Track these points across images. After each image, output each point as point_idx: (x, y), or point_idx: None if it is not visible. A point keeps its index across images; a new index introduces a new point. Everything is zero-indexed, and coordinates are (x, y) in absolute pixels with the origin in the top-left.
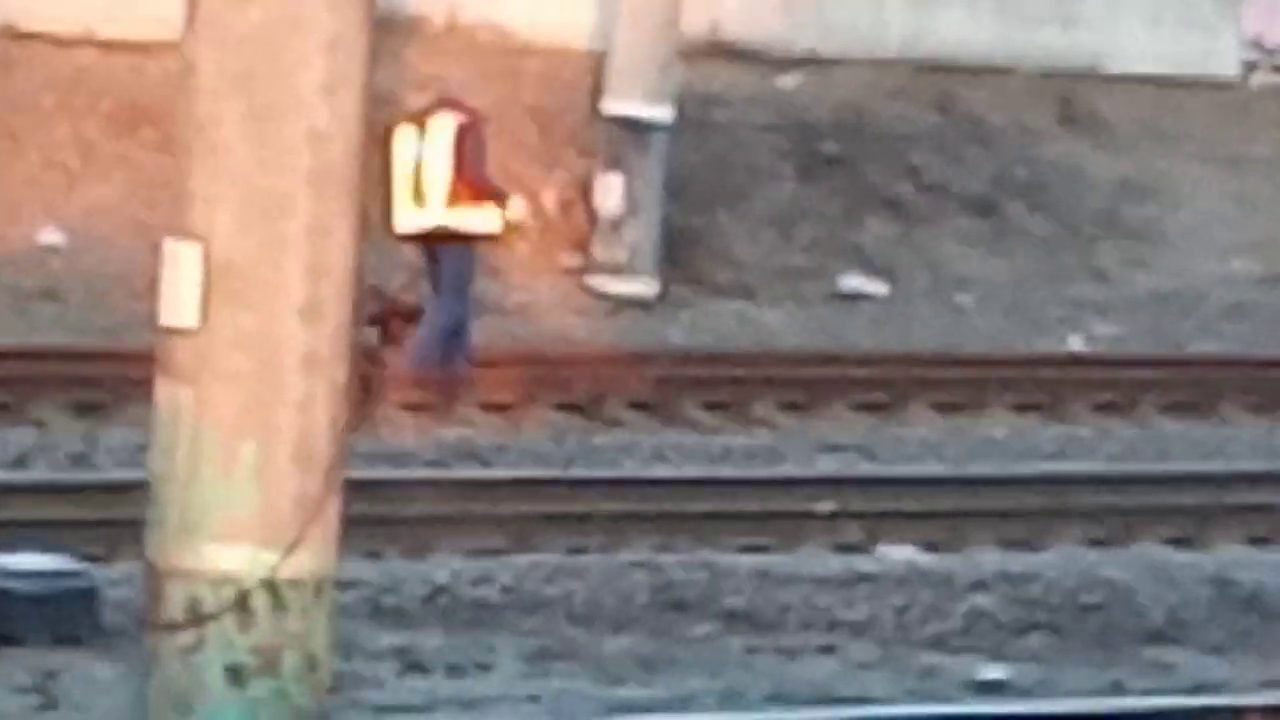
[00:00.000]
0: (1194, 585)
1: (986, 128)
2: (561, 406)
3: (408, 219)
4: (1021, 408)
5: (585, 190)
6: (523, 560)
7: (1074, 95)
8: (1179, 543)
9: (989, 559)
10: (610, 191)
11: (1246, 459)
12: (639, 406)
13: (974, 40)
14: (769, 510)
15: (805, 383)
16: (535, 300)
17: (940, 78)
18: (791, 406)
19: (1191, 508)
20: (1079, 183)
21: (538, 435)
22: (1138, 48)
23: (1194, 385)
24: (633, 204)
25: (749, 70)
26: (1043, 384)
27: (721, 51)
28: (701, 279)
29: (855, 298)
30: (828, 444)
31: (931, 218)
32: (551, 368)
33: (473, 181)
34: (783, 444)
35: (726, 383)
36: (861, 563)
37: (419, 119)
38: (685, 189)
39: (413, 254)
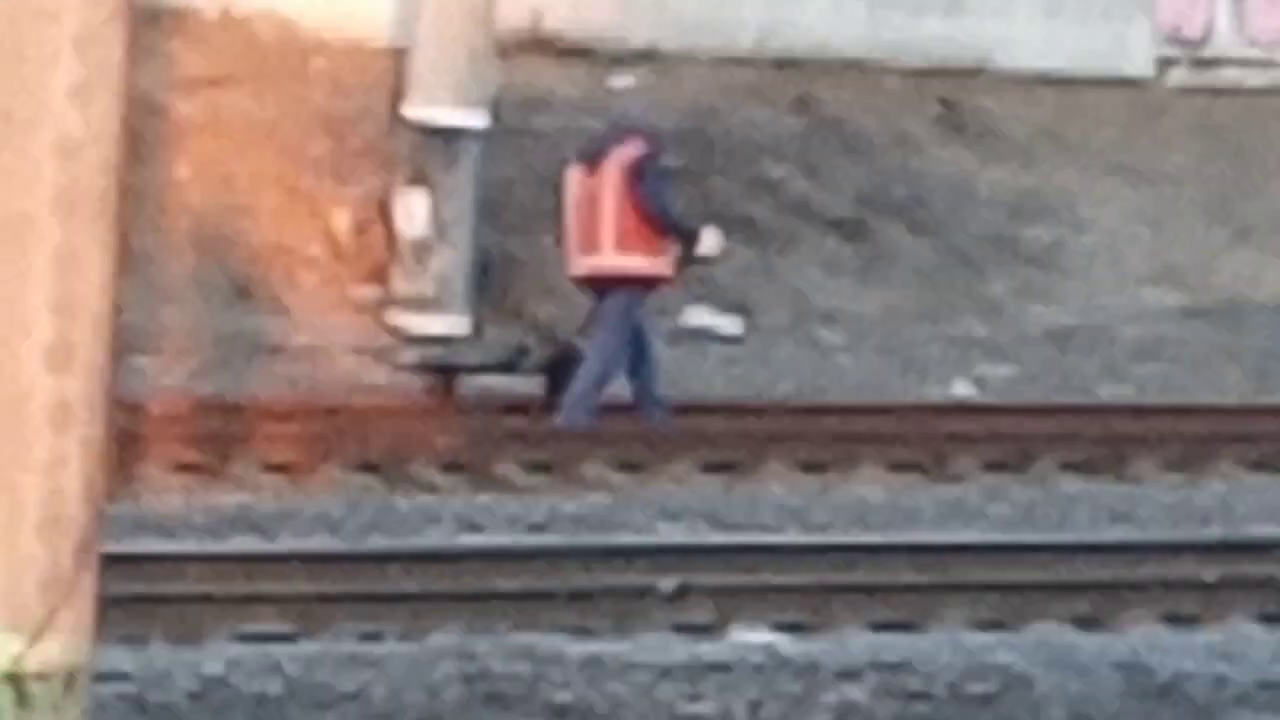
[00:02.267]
0: (1100, 672)
1: (856, 135)
2: (356, 467)
3: (579, 263)
4: (898, 465)
5: (384, 210)
6: (311, 647)
7: (959, 97)
8: (1083, 623)
9: (860, 643)
10: (413, 212)
11: (1161, 525)
12: (447, 466)
13: (841, 33)
14: (601, 587)
15: (644, 437)
16: (325, 341)
17: (801, 77)
18: (627, 465)
19: (1097, 582)
20: (965, 200)
21: (328, 500)
22: (1033, 41)
23: (1100, 438)
24: (440, 226)
25: (576, 69)
26: (923, 438)
27: (544, 47)
28: (521, 314)
29: (703, 336)
30: (670, 509)
31: (792, 241)
32: (344, 421)
33: (651, 219)
34: (618, 509)
35: (550, 437)
36: (710, 648)
37: (593, 153)
38: (502, 208)
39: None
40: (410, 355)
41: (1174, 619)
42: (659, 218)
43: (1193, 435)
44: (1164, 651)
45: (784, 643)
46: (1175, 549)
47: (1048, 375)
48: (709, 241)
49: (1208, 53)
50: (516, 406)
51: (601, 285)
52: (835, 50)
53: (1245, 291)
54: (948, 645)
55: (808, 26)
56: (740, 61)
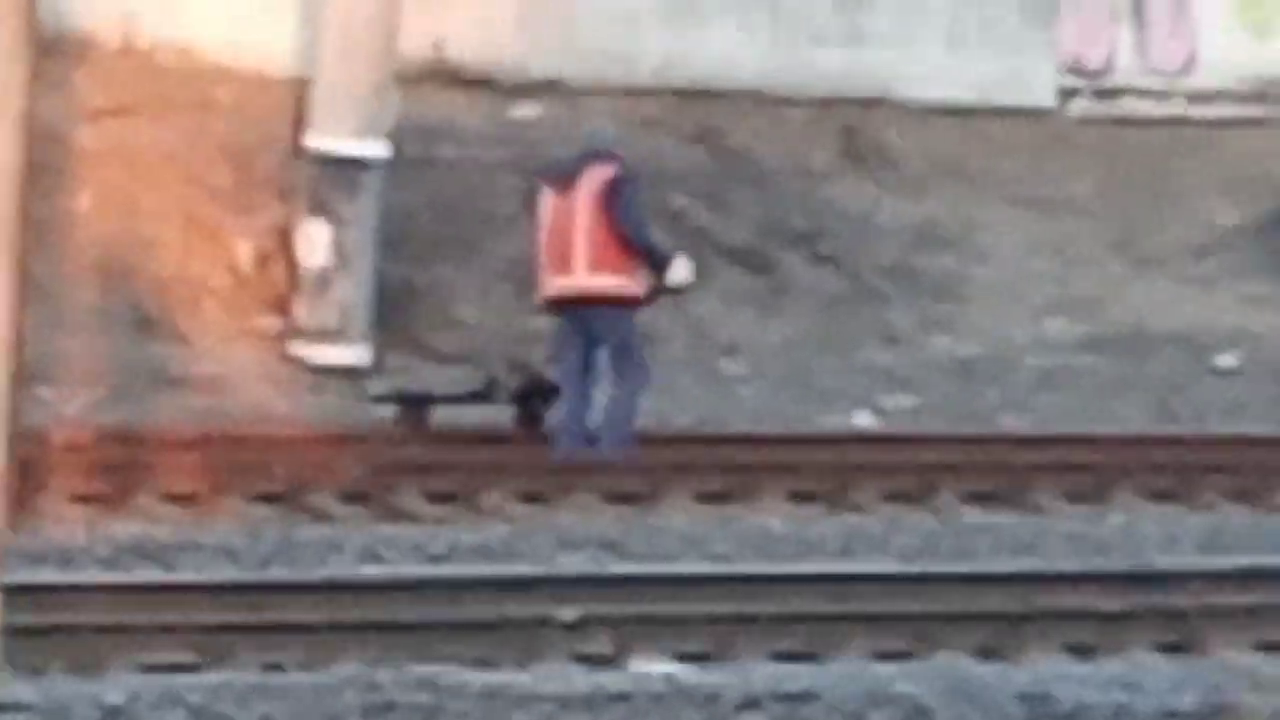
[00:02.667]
0: (1002, 703)
1: (758, 166)
2: (257, 497)
3: (551, 284)
4: (799, 496)
5: (286, 240)
6: (212, 678)
7: (860, 127)
8: (985, 653)
9: (761, 673)
10: (315, 242)
11: (1063, 556)
12: (348, 496)
13: (743, 64)
14: (502, 617)
15: (545, 468)
16: (227, 371)
17: (704, 107)
18: (528, 496)
19: (999, 613)
20: (867, 230)
21: (229, 531)
22: (935, 71)
23: (1002, 469)
24: (342, 256)
25: (479, 99)
26: (824, 468)
27: (446, 77)
28: (422, 345)
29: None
30: (571, 539)
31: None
32: (245, 450)
33: (625, 241)
34: (518, 539)
35: (451, 468)
36: (611, 679)
37: (565, 174)
38: (403, 238)
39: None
40: (380, 387)
41: (1076, 649)
42: (634, 239)
43: (1094, 465)
44: (1065, 682)
45: (685, 673)
46: (1077, 579)
47: (949, 405)
48: (680, 271)
49: (1110, 83)
50: (492, 437)
51: (573, 306)
52: (737, 81)
53: (1147, 322)
54: (849, 675)
55: (710, 57)
56: (642, 92)
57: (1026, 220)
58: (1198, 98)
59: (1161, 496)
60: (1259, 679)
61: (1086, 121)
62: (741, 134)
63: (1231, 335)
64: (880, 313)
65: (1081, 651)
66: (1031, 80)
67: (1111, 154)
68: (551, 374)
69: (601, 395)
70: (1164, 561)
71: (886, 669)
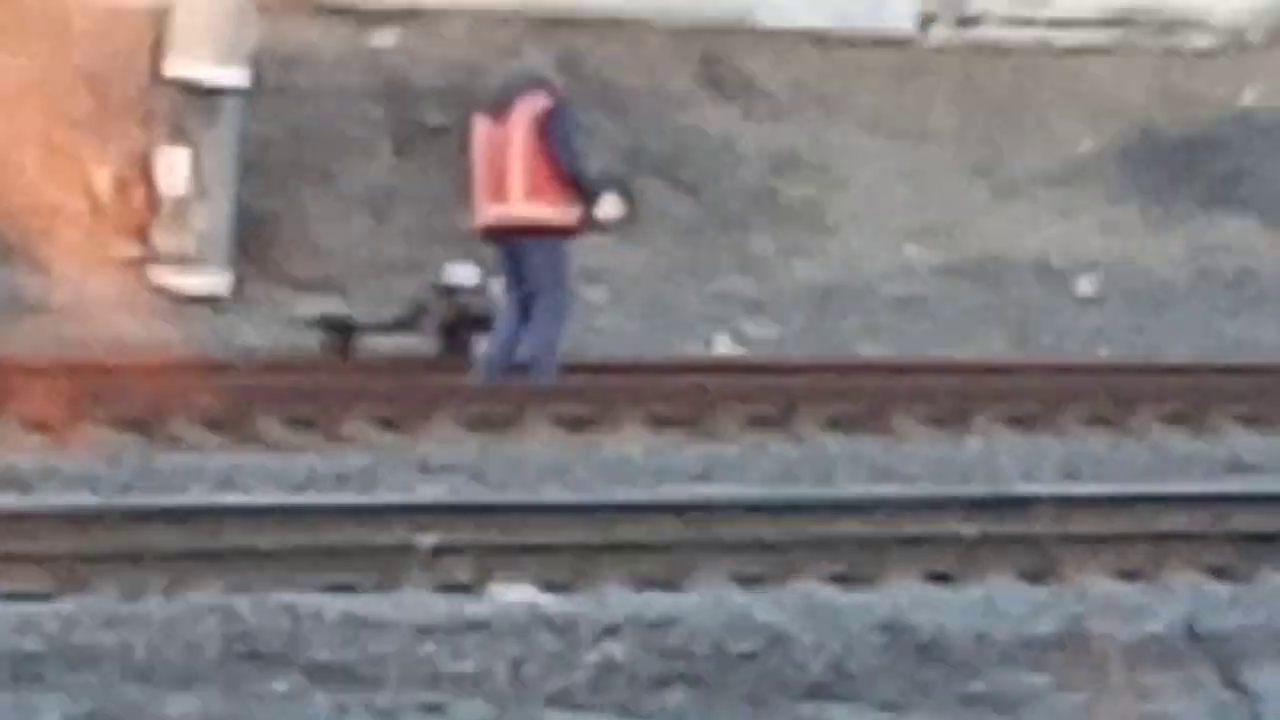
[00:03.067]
0: (862, 630)
1: (617, 92)
2: (116, 423)
3: (486, 213)
4: (660, 422)
5: (145, 168)
6: (70, 605)
7: (720, 54)
8: (844, 581)
9: (621, 601)
10: (174, 169)
11: (923, 482)
12: (208, 423)
13: None
14: (361, 544)
15: (404, 394)
16: (85, 297)
17: (563, 34)
18: (387, 423)
19: (858, 539)
20: (727, 157)
21: (88, 457)
22: None
23: (861, 395)
24: (201, 184)
25: (338, 25)
26: (684, 394)
27: (305, 5)
28: (282, 272)
29: (463, 294)
30: (431, 466)
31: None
32: (104, 377)
33: (558, 170)
34: (378, 466)
35: (312, 394)
36: (471, 606)
37: (499, 103)
38: (262, 166)
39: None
40: (306, 310)
41: (935, 576)
42: (568, 168)
43: (954, 392)
44: (925, 608)
45: (545, 600)
46: (936, 506)
47: (809, 332)
48: (608, 206)
49: (970, 10)
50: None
51: (507, 235)
52: (597, 7)
53: (1006, 249)
54: (709, 603)
55: None
56: (501, 18)
57: (886, 147)
58: (1058, 24)
59: (1020, 423)
60: (1117, 606)
61: (946, 48)
62: (601, 61)
63: (1090, 262)
64: (740, 240)
65: (940, 578)
66: (892, 7)
67: (971, 81)
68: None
69: (523, 324)
70: (1023, 488)
71: (746, 596)
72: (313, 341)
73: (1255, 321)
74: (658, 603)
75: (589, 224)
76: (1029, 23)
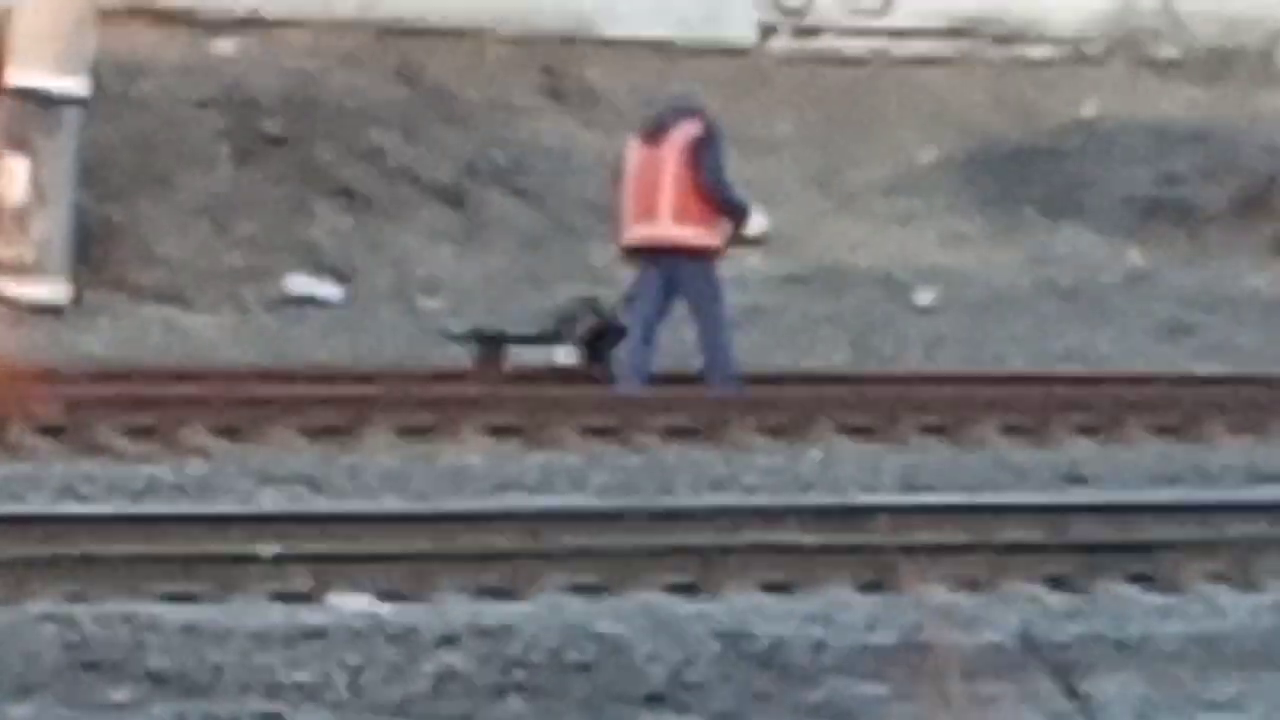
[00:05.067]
0: (700, 640)
1: (458, 102)
2: None
3: (635, 232)
4: (499, 431)
5: None
6: None
7: (561, 64)
8: (683, 590)
9: (460, 610)
10: (14, 178)
11: (762, 491)
12: (46, 431)
13: (444, 0)
14: (201, 553)
15: (245, 403)
16: None
17: (404, 43)
18: (228, 431)
19: (697, 548)
20: (567, 166)
21: None
22: (635, 7)
23: (701, 405)
24: (40, 192)
25: (179, 34)
26: (524, 404)
27: (146, 12)
28: (122, 281)
29: (304, 303)
30: (271, 475)
31: (394, 208)
32: None
33: (708, 195)
34: (217, 475)
35: (151, 403)
36: (310, 614)
37: (654, 127)
38: (103, 174)
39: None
40: (460, 325)
41: (774, 586)
42: (717, 194)
43: (793, 402)
44: (763, 618)
45: (384, 610)
46: (775, 515)
47: None
48: (757, 221)
49: (810, 20)
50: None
51: (656, 254)
52: (438, 17)
53: (846, 259)
54: (547, 612)
55: None
56: (343, 27)
57: (726, 157)
58: (898, 35)
59: (860, 433)
60: (955, 615)
61: (787, 58)
62: (442, 70)
63: (930, 272)
64: (580, 249)
65: (779, 588)
66: (732, 17)
67: (811, 91)
68: (624, 316)
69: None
70: (862, 498)
71: (585, 605)
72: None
73: (1094, 331)
74: (496, 612)
75: (734, 242)
76: (869, 33)
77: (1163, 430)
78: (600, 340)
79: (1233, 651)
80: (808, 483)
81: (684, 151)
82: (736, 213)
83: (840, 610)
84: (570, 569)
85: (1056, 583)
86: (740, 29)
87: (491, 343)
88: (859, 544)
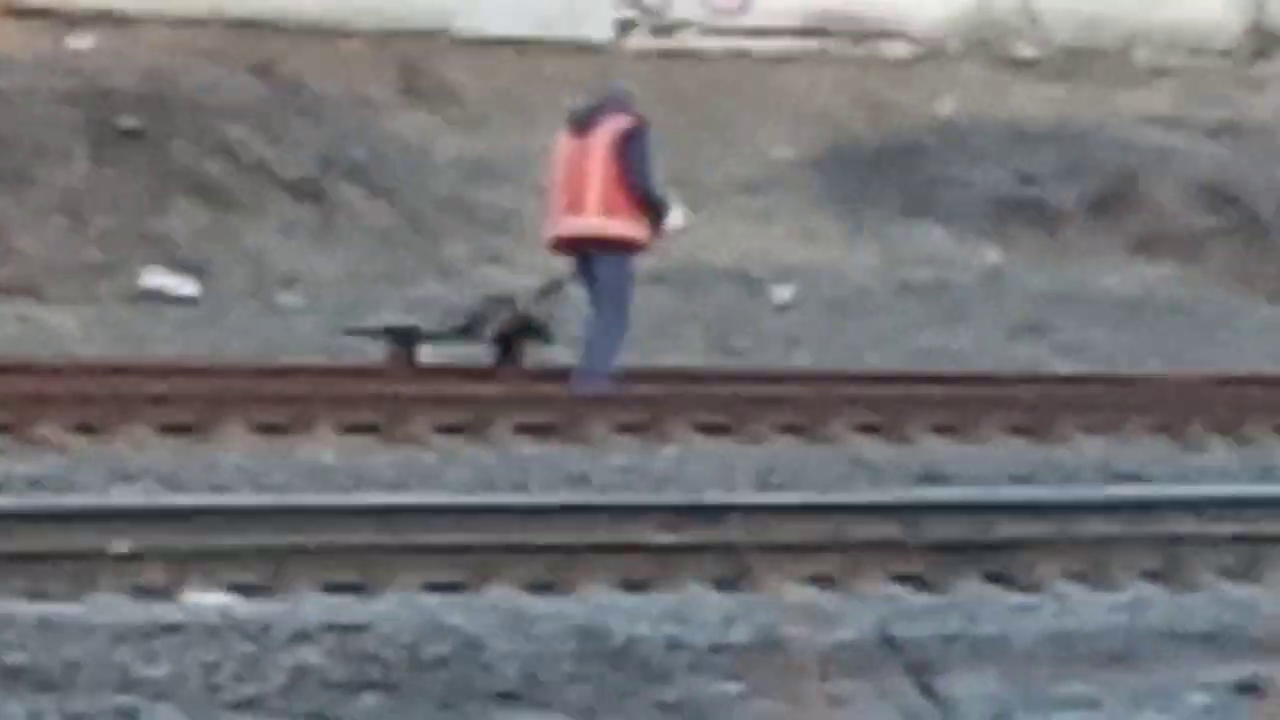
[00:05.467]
0: (555, 637)
1: (315, 99)
2: None
3: (562, 225)
4: (354, 427)
5: None
6: None
7: (419, 61)
8: (538, 587)
9: (315, 606)
10: None
11: (618, 489)
12: None
13: None
14: (54, 549)
15: (100, 398)
16: None
17: (261, 39)
18: (83, 427)
19: (553, 545)
20: (424, 163)
21: None
22: (493, 5)
23: (556, 402)
24: None
25: (35, 29)
26: (381, 399)
27: (2, 6)
28: None
29: (160, 298)
30: (125, 471)
31: (250, 204)
32: None
33: (634, 189)
34: (72, 471)
35: (5, 398)
36: (165, 611)
37: (582, 120)
38: None
39: (555, 265)
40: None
41: (628, 583)
42: (642, 189)
43: (649, 399)
44: (618, 615)
45: (239, 605)
46: (631, 513)
47: None
48: (675, 218)
49: (667, 17)
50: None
51: (582, 246)
52: (295, 13)
53: (703, 257)
54: (402, 608)
55: None
56: (200, 23)
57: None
58: (755, 33)
59: (716, 431)
60: (810, 613)
61: (644, 55)
62: (300, 66)
63: (787, 270)
64: (435, 246)
65: (634, 585)
66: (590, 15)
67: (668, 88)
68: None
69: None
70: (717, 496)
71: (439, 601)
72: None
73: (950, 330)
74: (351, 608)
75: (657, 234)
76: (727, 31)
77: (1018, 429)
78: (514, 337)
79: (1088, 650)
80: (663, 480)
81: (612, 145)
82: (658, 209)
83: (696, 608)
84: (425, 565)
85: (912, 581)
86: (598, 27)
87: (403, 339)
88: (715, 542)
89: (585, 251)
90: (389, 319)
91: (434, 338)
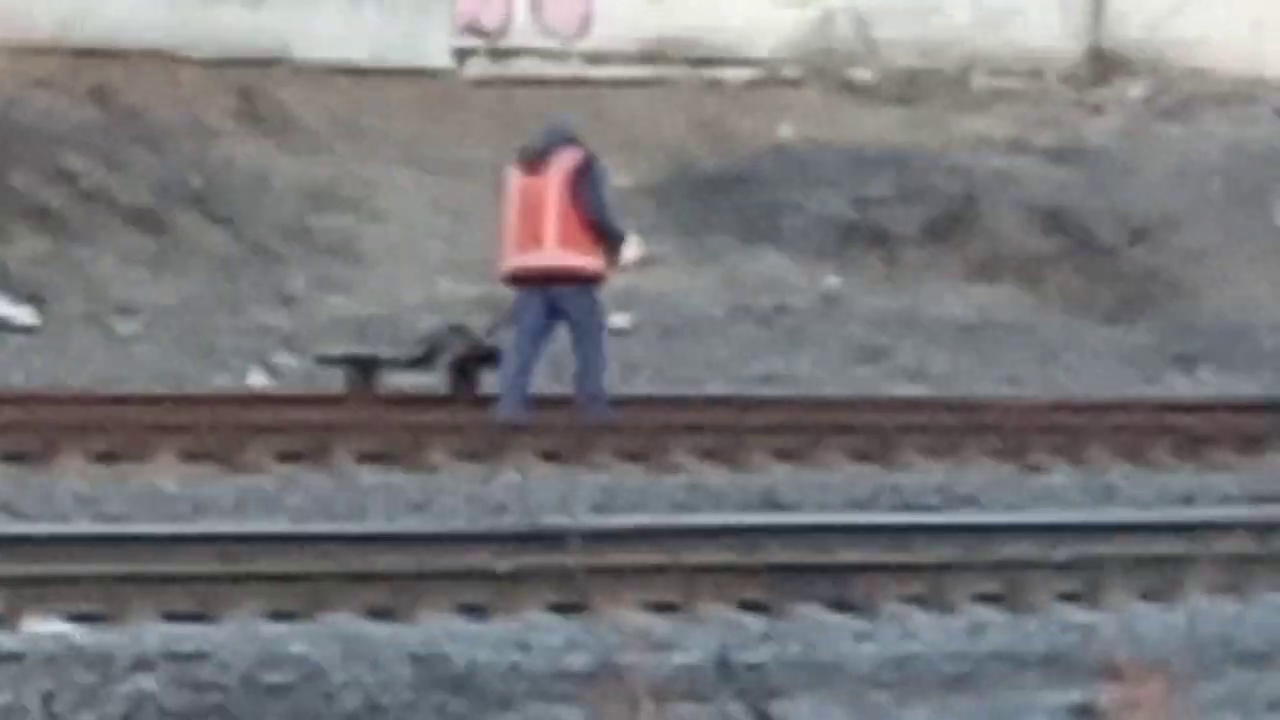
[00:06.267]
0: (395, 663)
1: (153, 126)
2: None
3: (518, 259)
4: (194, 455)
5: None
6: None
7: (257, 87)
8: (378, 614)
9: (154, 633)
10: None
11: (458, 515)
12: None
13: (138, 22)
14: None
15: None
16: None
17: (98, 66)
18: None
19: (393, 573)
20: (263, 190)
21: None
22: (333, 32)
23: (395, 429)
24: None
25: None
26: (218, 427)
27: None
28: None
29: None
30: None
31: (88, 231)
32: None
33: (592, 221)
34: None
35: None
36: (3, 640)
37: (534, 156)
38: None
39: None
40: (334, 349)
41: (469, 609)
42: (598, 219)
43: (488, 425)
44: (459, 642)
45: (77, 633)
46: (469, 539)
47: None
48: (631, 248)
49: (506, 43)
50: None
51: (541, 280)
52: (134, 40)
53: None
54: (242, 636)
55: (107, 16)
56: (38, 51)
57: (421, 180)
58: (593, 59)
59: (555, 457)
60: (649, 639)
61: (482, 82)
62: (138, 93)
63: (625, 296)
64: (275, 273)
65: (474, 611)
66: (427, 41)
67: (506, 114)
68: (504, 341)
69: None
70: (556, 521)
71: (279, 629)
72: None
73: (790, 355)
74: (190, 635)
75: (614, 268)
76: (565, 56)
77: (858, 453)
78: (469, 365)
79: (926, 674)
80: (502, 506)
81: (567, 180)
82: (615, 240)
83: (535, 634)
84: (265, 593)
85: (751, 606)
86: (436, 53)
87: (364, 367)
88: (553, 567)
89: (546, 285)
90: (354, 349)
91: (393, 366)
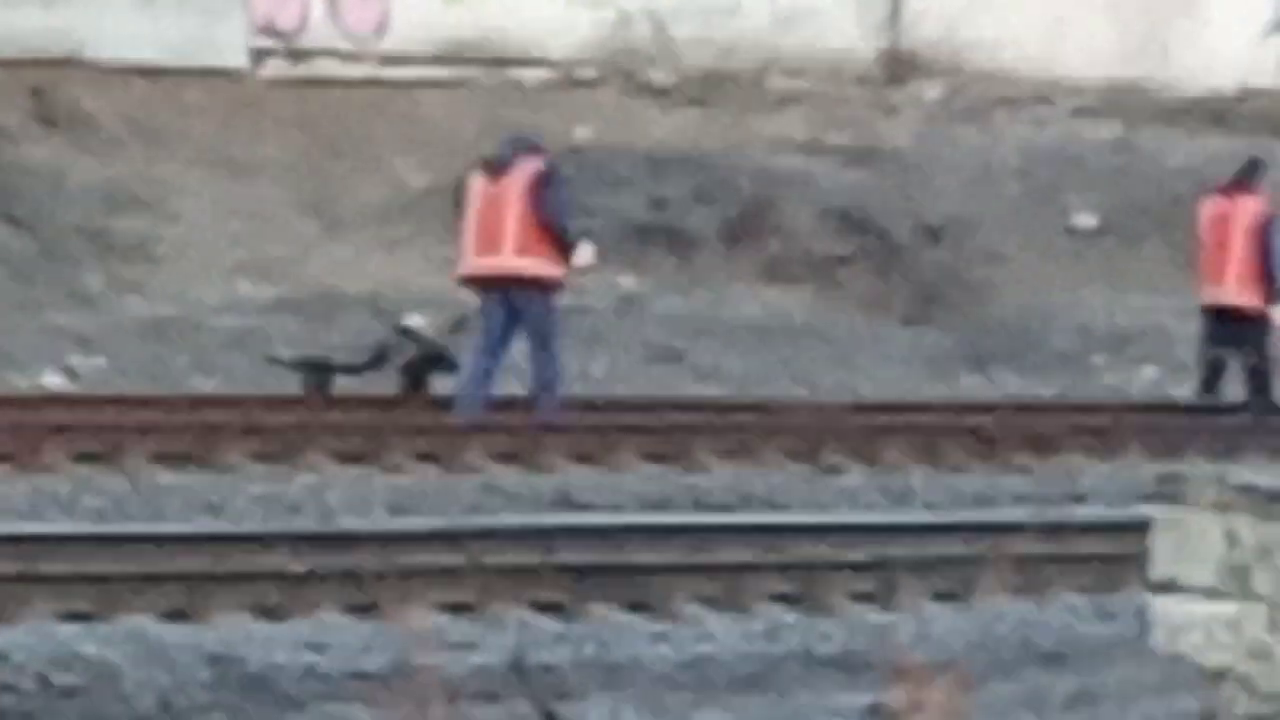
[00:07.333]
0: (190, 665)
1: None
2: None
3: (476, 263)
4: None
5: None
6: None
7: (50, 87)
8: (172, 616)
9: None
10: None
11: (253, 517)
12: None
13: None
14: None
15: None
16: None
17: None
18: None
19: (187, 574)
20: (57, 191)
21: None
22: (127, 32)
23: (192, 429)
24: None
25: None
26: (13, 428)
27: None
28: None
29: None
30: None
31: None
32: None
33: (550, 227)
34: None
35: None
36: None
37: (496, 164)
38: None
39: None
40: (288, 354)
41: (263, 611)
42: (556, 226)
43: (283, 427)
44: (254, 643)
45: None
46: (265, 540)
47: (140, 366)
48: (584, 254)
49: (303, 44)
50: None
51: (499, 285)
52: None
53: (336, 283)
54: (35, 638)
55: None
56: None
57: (218, 182)
58: (390, 60)
59: (349, 458)
60: (443, 640)
61: (279, 83)
62: None
63: (420, 297)
64: (70, 274)
65: (270, 612)
66: (223, 41)
67: (304, 116)
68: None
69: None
70: (350, 523)
71: (73, 630)
72: None
73: (586, 356)
74: None
75: (570, 273)
76: (361, 58)
77: (653, 454)
78: (420, 369)
79: (722, 676)
80: (297, 508)
81: (528, 188)
82: (567, 245)
83: (329, 635)
84: (59, 594)
85: (546, 606)
86: (233, 55)
87: (317, 371)
88: (348, 569)
89: (504, 289)
90: (307, 352)
91: (347, 370)
